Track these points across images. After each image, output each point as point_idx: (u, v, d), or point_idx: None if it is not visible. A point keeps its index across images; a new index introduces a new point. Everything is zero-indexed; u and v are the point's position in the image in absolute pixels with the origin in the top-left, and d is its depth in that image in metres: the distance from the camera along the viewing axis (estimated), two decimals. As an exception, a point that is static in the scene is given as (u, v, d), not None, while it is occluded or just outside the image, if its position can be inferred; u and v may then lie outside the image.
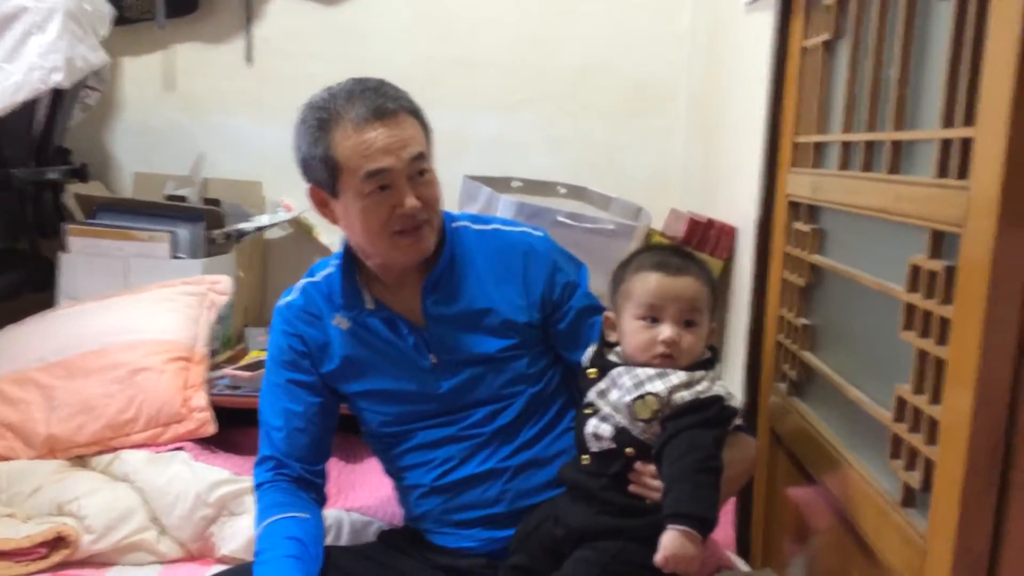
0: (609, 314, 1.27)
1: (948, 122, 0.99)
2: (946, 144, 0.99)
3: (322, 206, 1.34)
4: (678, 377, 1.17)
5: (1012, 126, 0.84)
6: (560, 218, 1.94)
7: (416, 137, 1.28)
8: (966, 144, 0.94)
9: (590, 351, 1.29)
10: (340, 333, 1.39)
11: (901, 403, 1.07)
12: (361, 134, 1.24)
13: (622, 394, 1.19)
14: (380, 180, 1.25)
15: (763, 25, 1.73)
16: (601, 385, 1.22)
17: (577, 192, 2.32)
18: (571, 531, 1.21)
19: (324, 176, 1.28)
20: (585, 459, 1.23)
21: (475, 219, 1.47)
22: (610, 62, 2.59)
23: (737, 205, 1.95)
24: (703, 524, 1.08)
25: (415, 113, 1.30)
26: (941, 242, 1.00)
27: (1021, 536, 0.88)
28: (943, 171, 1.00)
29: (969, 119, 0.94)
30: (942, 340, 0.97)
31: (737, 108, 2.00)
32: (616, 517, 1.19)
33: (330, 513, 1.58)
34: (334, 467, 1.69)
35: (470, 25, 2.62)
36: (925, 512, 0.99)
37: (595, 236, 1.98)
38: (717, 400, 1.17)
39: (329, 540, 1.47)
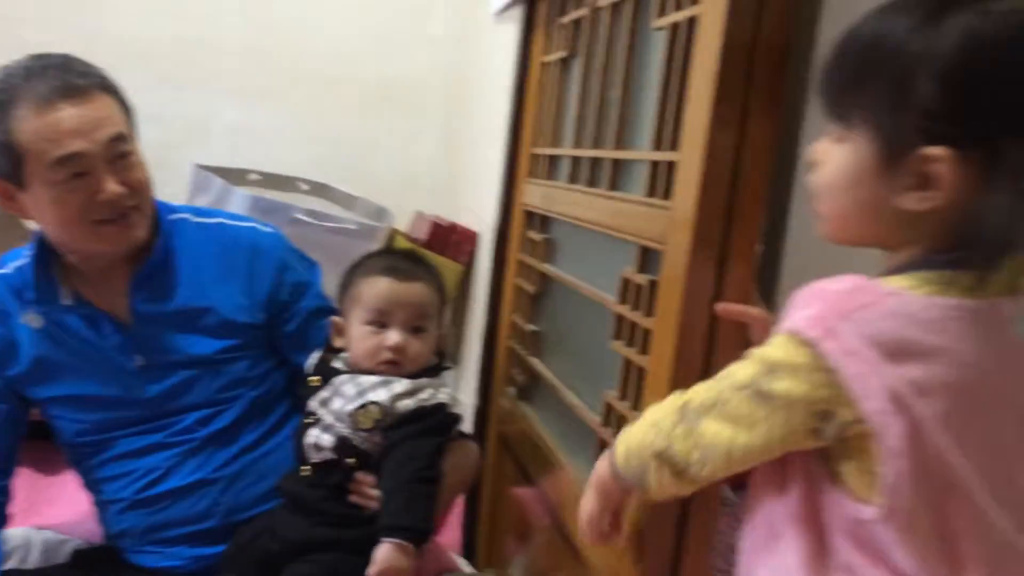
0: (337, 319, 1.24)
1: (658, 145, 1.05)
2: (655, 165, 1.05)
3: (8, 200, 1.18)
4: (401, 385, 1.16)
5: (707, 152, 0.91)
6: (298, 215, 1.86)
7: (113, 117, 1.16)
8: (671, 167, 1.00)
9: (314, 357, 1.25)
10: (31, 332, 1.24)
11: (608, 408, 1.12)
12: (45, 115, 1.10)
13: (344, 403, 1.16)
14: (74, 166, 1.12)
15: (509, 36, 1.77)
16: (324, 393, 1.19)
17: (320, 189, 2.25)
18: (287, 544, 1.16)
19: (5, 166, 1.13)
20: (305, 470, 1.19)
21: (197, 211, 1.37)
22: (360, 58, 2.54)
23: (480, 211, 1.98)
24: (417, 535, 1.07)
25: (111, 91, 1.18)
26: (647, 258, 1.07)
27: (700, 535, 0.95)
28: (652, 191, 1.06)
29: (675, 144, 1.00)
30: (644, 350, 1.03)
31: (484, 115, 2.03)
32: (334, 529, 1.15)
33: (16, 532, 1.40)
34: (26, 479, 1.50)
35: (212, 5, 2.46)
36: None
37: (336, 236, 1.92)
38: (440, 408, 1.17)
39: (14, 563, 1.30)
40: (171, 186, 1.79)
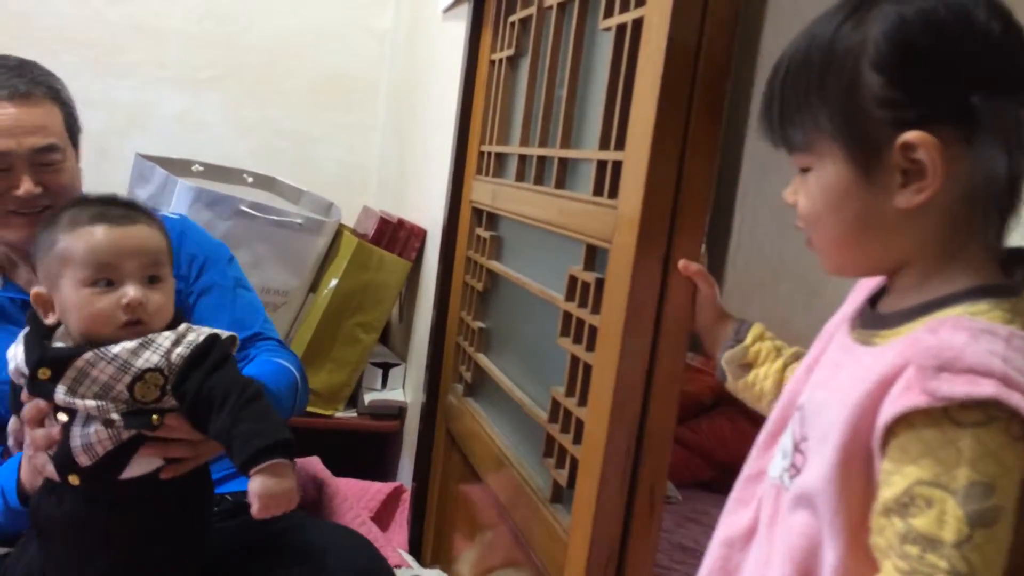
0: (40, 290, 1.02)
1: (604, 145, 1.07)
2: (602, 165, 1.07)
3: None
4: (165, 339, 0.98)
5: (652, 153, 0.92)
6: (243, 207, 1.84)
7: (50, 126, 1.23)
8: (617, 166, 1.02)
9: (19, 353, 1.01)
10: None
11: (555, 405, 1.13)
12: None
13: (110, 382, 0.96)
14: None
15: (458, 34, 1.77)
16: (63, 384, 0.97)
17: (266, 182, 2.23)
18: None
19: None
20: (73, 480, 0.98)
21: None
22: (307, 50, 2.52)
23: (428, 207, 1.98)
24: (283, 447, 0.94)
25: (60, 102, 1.26)
26: (594, 256, 1.08)
27: (645, 531, 0.97)
28: (599, 190, 1.07)
29: (620, 144, 1.02)
30: (590, 347, 1.04)
31: (432, 112, 2.03)
32: (135, 553, 1.01)
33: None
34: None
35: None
36: (570, 508, 1.06)
37: (281, 229, 1.91)
38: (215, 339, 1.01)
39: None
40: (112, 175, 1.75)
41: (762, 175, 2.40)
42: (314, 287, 2.06)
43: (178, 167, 2.03)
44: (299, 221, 1.94)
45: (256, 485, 0.92)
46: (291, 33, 2.50)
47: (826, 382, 0.65)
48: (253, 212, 1.85)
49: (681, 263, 0.93)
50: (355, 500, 1.67)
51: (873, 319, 0.66)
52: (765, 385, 0.89)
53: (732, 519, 0.73)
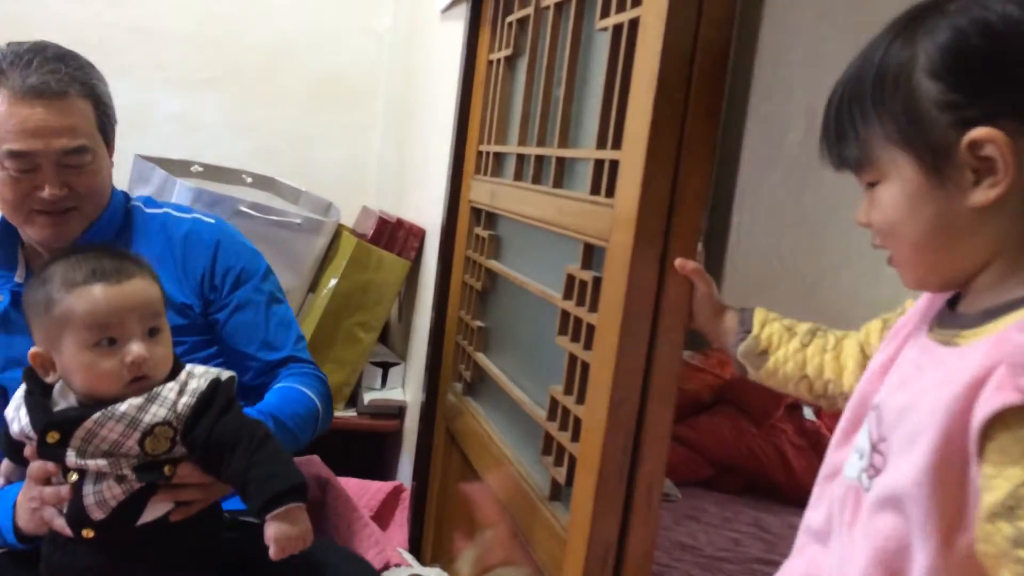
0: (39, 351, 1.02)
1: (601, 144, 1.07)
2: (599, 164, 1.07)
3: None
4: (171, 390, 1.00)
5: (648, 152, 0.92)
6: (243, 208, 1.85)
7: (79, 127, 1.19)
8: (614, 165, 1.02)
9: (22, 415, 1.01)
10: None
11: (553, 403, 1.14)
12: (15, 107, 1.15)
13: (120, 439, 0.97)
14: (23, 163, 1.17)
15: (456, 34, 1.78)
16: (74, 445, 0.98)
17: (265, 183, 2.23)
18: None
19: None
20: (87, 533, 0.99)
21: (148, 202, 1.40)
22: (305, 51, 2.52)
23: (427, 207, 1.98)
24: (296, 492, 0.98)
25: (93, 98, 1.22)
26: (591, 254, 1.08)
27: (643, 528, 0.98)
28: (596, 189, 1.08)
29: (617, 143, 1.02)
30: (588, 345, 1.05)
31: (431, 112, 2.03)
32: None
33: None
34: None
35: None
36: (568, 505, 1.07)
37: (281, 230, 1.91)
38: (216, 384, 1.03)
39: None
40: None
41: (760, 175, 2.41)
42: (313, 287, 2.06)
43: (177, 168, 2.03)
44: (298, 221, 1.95)
45: (273, 530, 0.96)
46: (290, 34, 2.51)
47: (907, 383, 0.65)
48: (252, 212, 1.86)
49: (678, 261, 0.94)
50: (355, 499, 1.68)
51: (953, 319, 0.66)
52: (787, 369, 0.90)
53: (812, 514, 0.74)
